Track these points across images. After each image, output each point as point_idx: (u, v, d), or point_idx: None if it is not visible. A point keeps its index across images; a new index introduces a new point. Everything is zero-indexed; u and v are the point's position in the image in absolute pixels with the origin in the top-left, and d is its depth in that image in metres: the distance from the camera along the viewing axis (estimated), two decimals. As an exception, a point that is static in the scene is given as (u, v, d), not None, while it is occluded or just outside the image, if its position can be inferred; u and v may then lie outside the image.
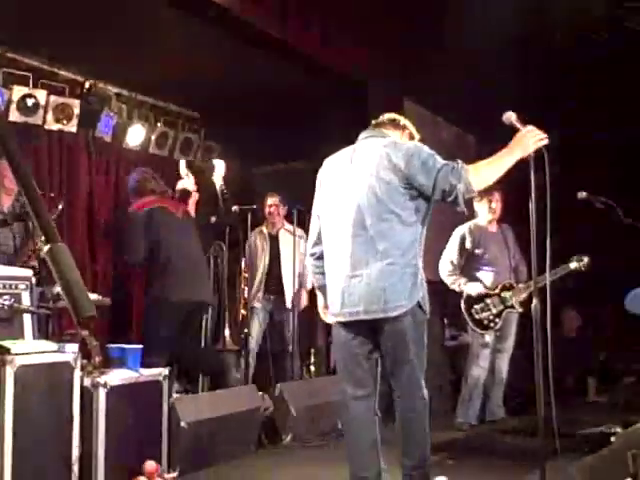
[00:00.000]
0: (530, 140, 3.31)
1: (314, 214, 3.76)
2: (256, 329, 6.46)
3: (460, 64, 7.75)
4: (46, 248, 1.40)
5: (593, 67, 8.32)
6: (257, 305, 6.50)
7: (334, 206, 3.60)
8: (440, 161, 3.39)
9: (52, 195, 5.05)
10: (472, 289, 5.89)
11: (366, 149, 3.61)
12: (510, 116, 3.42)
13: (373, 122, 3.80)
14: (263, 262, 6.57)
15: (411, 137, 3.75)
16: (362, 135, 3.74)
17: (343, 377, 3.58)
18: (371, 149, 3.58)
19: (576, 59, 8.18)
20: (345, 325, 3.52)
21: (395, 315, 3.35)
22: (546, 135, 3.34)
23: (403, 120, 3.78)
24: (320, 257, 3.69)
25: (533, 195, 3.29)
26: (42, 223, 1.42)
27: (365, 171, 3.51)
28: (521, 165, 3.41)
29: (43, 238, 1.41)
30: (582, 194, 5.26)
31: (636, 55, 7.95)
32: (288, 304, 6.50)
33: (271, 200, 6.66)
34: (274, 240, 6.66)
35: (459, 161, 3.38)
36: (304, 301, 6.59)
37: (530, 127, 3.37)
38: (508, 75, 8.62)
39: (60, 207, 5.01)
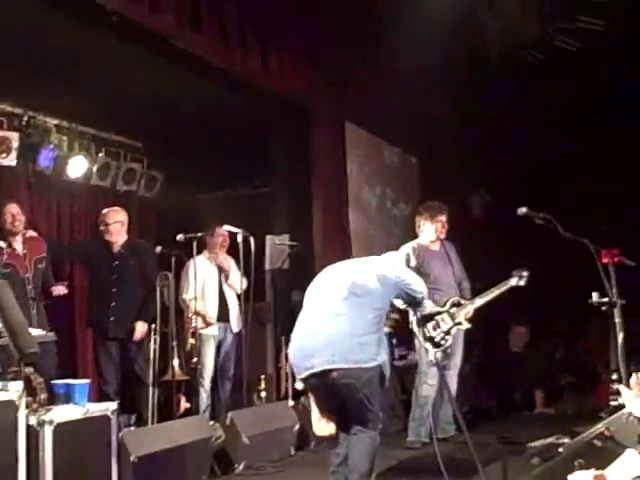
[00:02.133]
0: None
1: None
2: (210, 357, 6.44)
3: (398, 85, 7.89)
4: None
5: (528, 84, 8.56)
6: (211, 332, 6.47)
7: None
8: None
9: None
10: (426, 307, 5.93)
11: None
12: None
13: None
14: (212, 289, 6.54)
15: None
16: None
17: None
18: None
19: (512, 76, 8.39)
20: None
21: None
22: None
23: None
24: None
25: None
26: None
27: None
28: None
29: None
30: (522, 210, 5.35)
31: (567, 72, 8.20)
32: (235, 329, 6.50)
33: (219, 231, 6.57)
34: (218, 267, 6.64)
35: None
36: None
37: None
38: (445, 94, 8.81)
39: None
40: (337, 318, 4.01)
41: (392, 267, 4.40)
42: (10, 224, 5.71)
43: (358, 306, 4.04)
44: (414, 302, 4.54)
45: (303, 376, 4.09)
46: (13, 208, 5.76)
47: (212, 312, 6.50)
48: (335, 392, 3.97)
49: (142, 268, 6.21)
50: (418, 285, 4.43)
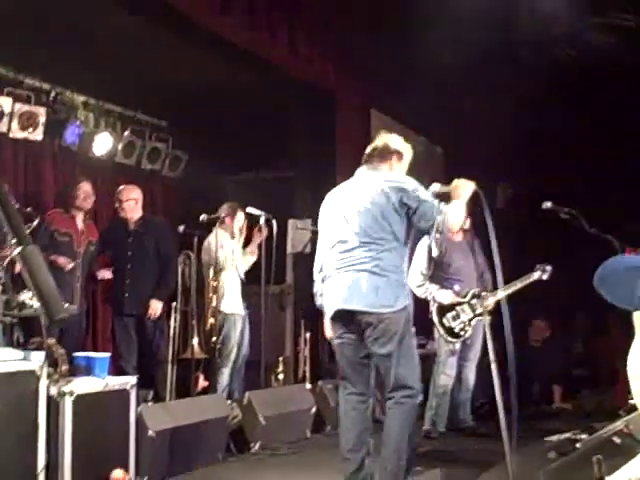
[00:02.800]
0: (465, 187, 3.89)
1: (319, 243, 4.11)
2: (234, 339, 6.30)
3: (427, 77, 7.83)
4: (17, 250, 1.40)
5: (558, 80, 8.47)
6: (238, 312, 6.36)
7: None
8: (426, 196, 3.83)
9: (28, 210, 5.05)
10: (444, 297, 5.92)
11: (365, 184, 3.95)
12: (434, 187, 3.99)
13: (365, 156, 4.10)
14: (235, 267, 6.43)
15: (399, 158, 4.08)
16: (359, 172, 4.08)
17: None
18: (370, 184, 3.91)
19: (544, 75, 8.32)
20: None
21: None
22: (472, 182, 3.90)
23: (391, 146, 4.08)
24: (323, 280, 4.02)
25: (489, 218, 3.76)
26: (13, 226, 1.42)
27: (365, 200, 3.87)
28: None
29: (14, 241, 1.40)
30: (547, 204, 5.32)
31: (601, 70, 8.11)
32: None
33: (243, 215, 6.47)
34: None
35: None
36: None
37: (455, 180, 3.93)
38: (475, 89, 8.74)
39: (35, 222, 5.02)
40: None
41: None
42: (82, 200, 6.01)
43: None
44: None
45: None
46: (87, 186, 6.07)
47: (234, 295, 6.41)
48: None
49: (158, 245, 6.25)
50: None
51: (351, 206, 3.92)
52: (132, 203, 6.28)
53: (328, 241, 3.99)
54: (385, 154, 4.04)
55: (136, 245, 6.22)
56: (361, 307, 3.75)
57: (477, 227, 6.31)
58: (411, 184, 3.85)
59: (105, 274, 6.20)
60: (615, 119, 8.60)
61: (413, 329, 3.94)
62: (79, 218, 6.01)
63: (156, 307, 6.12)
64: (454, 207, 3.83)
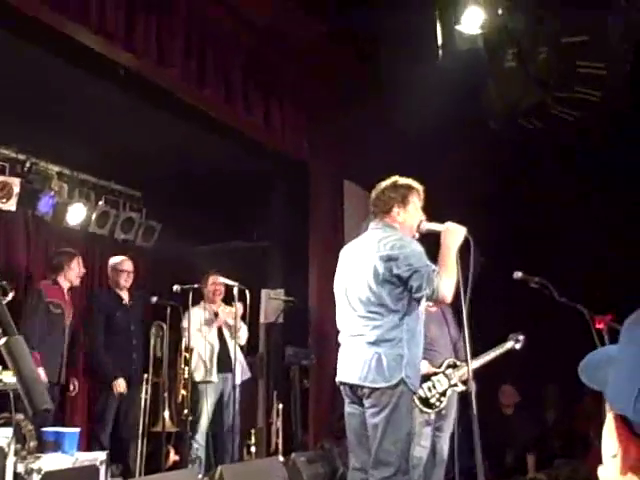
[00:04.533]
0: (456, 233, 3.77)
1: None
2: (206, 409, 6.30)
3: (397, 146, 7.97)
4: (2, 341, 1.40)
5: (526, 152, 8.67)
6: (208, 384, 6.37)
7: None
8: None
9: (3, 283, 5.02)
10: (422, 368, 5.91)
11: (363, 249, 3.89)
12: (424, 226, 3.90)
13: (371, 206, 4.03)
14: (210, 340, 6.47)
15: (403, 204, 3.95)
16: (369, 228, 4.01)
17: None
18: (365, 251, 3.85)
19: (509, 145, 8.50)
20: None
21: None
22: (464, 227, 3.80)
23: (387, 194, 3.96)
24: None
25: (470, 281, 3.70)
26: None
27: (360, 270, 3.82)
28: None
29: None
30: (517, 274, 5.39)
31: (564, 140, 8.31)
32: (238, 380, 6.40)
33: (214, 279, 6.59)
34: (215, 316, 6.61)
35: (435, 268, 3.70)
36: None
37: (448, 223, 3.83)
38: (447, 155, 8.90)
39: (11, 295, 5.00)
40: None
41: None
42: (77, 275, 6.10)
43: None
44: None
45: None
46: (80, 262, 6.17)
47: (207, 363, 6.41)
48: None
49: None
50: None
51: (350, 275, 3.90)
52: (132, 275, 6.31)
53: (338, 305, 3.99)
54: (384, 206, 3.93)
55: (134, 319, 6.25)
56: (355, 381, 3.75)
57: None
58: (404, 250, 3.71)
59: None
60: (581, 185, 8.79)
61: (413, 405, 3.89)
62: (65, 290, 6.00)
63: None
64: (446, 277, 3.69)
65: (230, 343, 6.52)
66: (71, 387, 5.95)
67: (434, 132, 8.03)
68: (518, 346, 5.92)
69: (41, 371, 5.37)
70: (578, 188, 8.79)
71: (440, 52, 6.86)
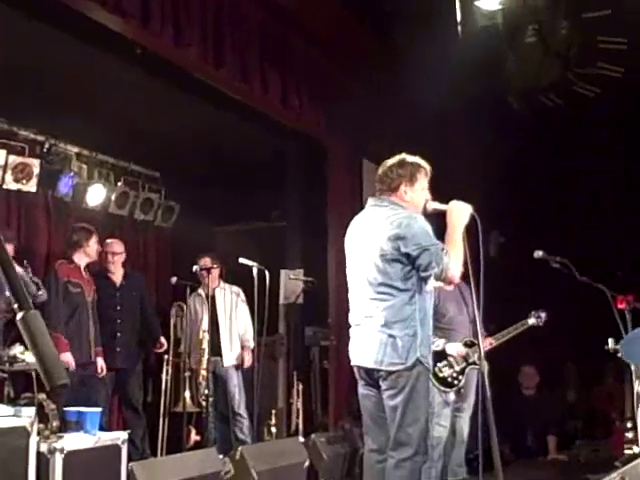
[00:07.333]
0: (461, 211, 3.71)
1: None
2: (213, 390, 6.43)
3: (416, 124, 7.91)
4: (19, 315, 1.39)
5: (546, 128, 8.58)
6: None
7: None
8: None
9: (36, 280, 5.08)
10: (453, 349, 5.90)
11: (368, 227, 3.83)
12: (430, 205, 3.84)
13: (376, 183, 3.99)
14: (203, 325, 6.52)
15: (411, 181, 3.87)
16: (368, 205, 3.98)
17: None
18: (371, 229, 3.79)
19: (528, 123, 8.42)
20: None
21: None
22: (469, 205, 3.75)
23: (396, 171, 3.89)
24: None
25: (482, 260, 3.70)
26: (15, 290, 1.41)
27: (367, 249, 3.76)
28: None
29: (16, 305, 1.40)
30: (538, 253, 5.36)
31: (584, 118, 8.22)
32: (226, 363, 6.47)
33: (202, 262, 6.56)
34: (211, 301, 6.58)
35: (444, 246, 3.66)
36: (247, 361, 6.60)
37: (452, 202, 3.78)
38: (464, 138, 8.83)
39: (43, 292, 5.12)
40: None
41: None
42: (95, 252, 6.14)
43: None
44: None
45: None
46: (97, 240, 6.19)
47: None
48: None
49: (142, 299, 6.50)
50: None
51: (357, 254, 3.83)
52: (122, 257, 6.31)
53: (349, 286, 3.93)
54: (391, 183, 3.85)
55: (124, 300, 6.23)
56: (371, 365, 3.71)
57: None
58: (411, 229, 3.65)
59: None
60: (601, 164, 8.70)
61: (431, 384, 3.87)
62: (82, 268, 6.00)
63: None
64: (454, 257, 3.66)
65: (223, 327, 6.53)
66: (99, 369, 5.91)
67: (453, 110, 7.97)
68: (540, 323, 5.90)
69: (69, 356, 5.41)
70: (601, 166, 8.69)
71: (459, 29, 6.79)
